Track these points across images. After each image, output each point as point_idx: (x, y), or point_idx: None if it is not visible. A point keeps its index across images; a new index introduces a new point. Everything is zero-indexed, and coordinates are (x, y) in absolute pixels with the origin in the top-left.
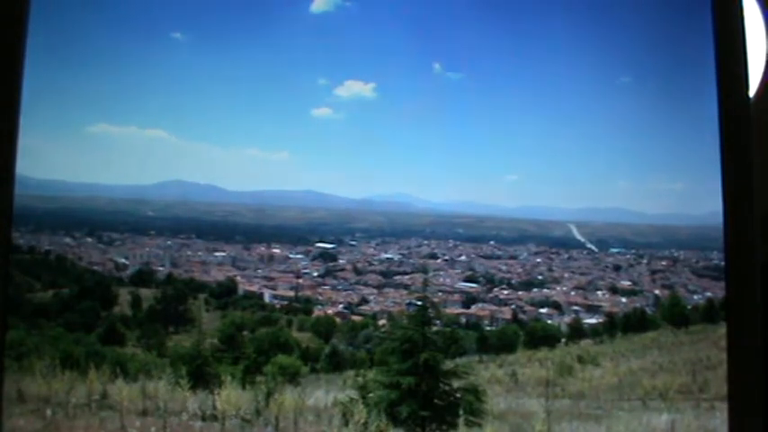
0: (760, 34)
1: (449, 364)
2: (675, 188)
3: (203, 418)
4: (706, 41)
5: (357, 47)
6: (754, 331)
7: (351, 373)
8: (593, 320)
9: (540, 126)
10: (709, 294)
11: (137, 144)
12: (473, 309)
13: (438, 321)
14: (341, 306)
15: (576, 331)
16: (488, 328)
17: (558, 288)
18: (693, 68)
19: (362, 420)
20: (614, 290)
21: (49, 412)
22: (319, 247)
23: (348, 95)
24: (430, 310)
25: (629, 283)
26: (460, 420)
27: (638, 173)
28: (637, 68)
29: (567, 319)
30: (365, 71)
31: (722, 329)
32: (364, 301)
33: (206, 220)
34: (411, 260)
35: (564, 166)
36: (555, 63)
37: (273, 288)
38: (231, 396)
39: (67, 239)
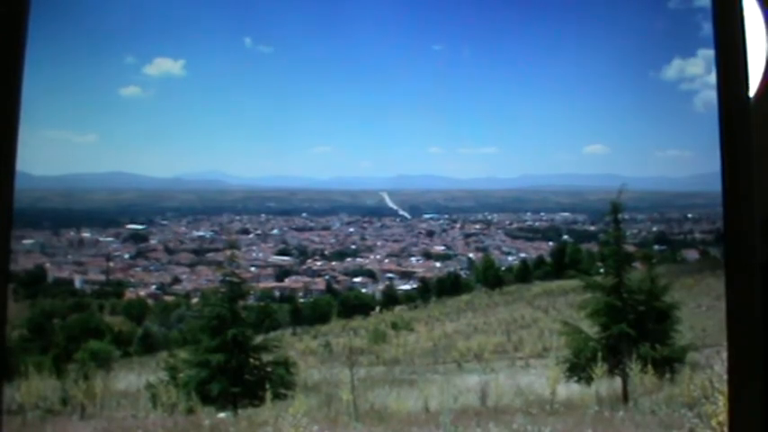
0: (760, 34)
1: (259, 339)
2: (487, 152)
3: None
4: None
5: (165, 23)
6: (753, 331)
7: (164, 354)
8: (407, 287)
9: (349, 94)
10: (523, 255)
11: None
12: (287, 281)
13: (252, 295)
14: (153, 287)
15: (390, 298)
16: (302, 300)
17: (372, 256)
18: None
19: (171, 402)
20: (428, 255)
21: None
22: (129, 229)
23: (157, 73)
24: (243, 285)
25: (442, 247)
26: (267, 394)
27: (448, 138)
28: None
29: (381, 286)
30: (174, 48)
31: (536, 288)
32: (177, 280)
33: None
34: (223, 237)
35: (374, 134)
36: (373, 34)
37: (84, 273)
38: (34, 386)
39: None
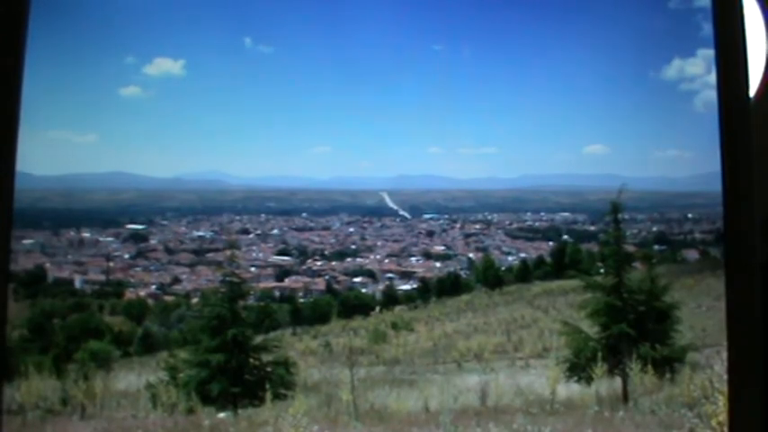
0: (760, 34)
1: (259, 339)
2: (487, 152)
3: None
4: None
5: (165, 23)
6: (753, 331)
7: (164, 354)
8: (407, 287)
9: (349, 94)
10: (523, 255)
11: None
12: (287, 281)
13: (252, 295)
14: (153, 287)
15: (390, 298)
16: (302, 300)
17: (372, 256)
18: None
19: (171, 402)
20: (428, 255)
21: None
22: (129, 229)
23: (157, 73)
24: (243, 285)
25: (442, 247)
26: (267, 394)
27: (448, 138)
28: None
29: (381, 286)
30: (174, 48)
31: (536, 288)
32: (177, 280)
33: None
34: (223, 236)
35: (374, 134)
36: (373, 34)
37: (84, 273)
38: (34, 386)
39: None
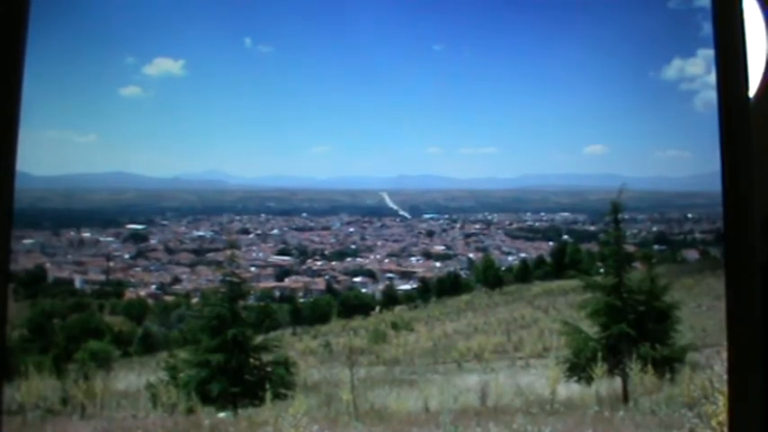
0: (760, 34)
1: (259, 339)
2: (487, 152)
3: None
4: None
5: (165, 23)
6: (753, 331)
7: (164, 354)
8: (407, 286)
9: (349, 94)
10: (523, 255)
11: None
12: (287, 281)
13: (252, 295)
14: (153, 287)
15: (390, 298)
16: (302, 300)
17: (372, 256)
18: None
19: (171, 401)
20: (428, 255)
21: None
22: (129, 229)
23: (157, 73)
24: (243, 285)
25: (442, 247)
26: (267, 394)
27: (448, 138)
28: None
29: (381, 286)
30: (174, 48)
31: (536, 288)
32: (177, 280)
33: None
34: (223, 236)
35: (374, 134)
36: (373, 34)
37: (84, 273)
38: (34, 386)
39: None
